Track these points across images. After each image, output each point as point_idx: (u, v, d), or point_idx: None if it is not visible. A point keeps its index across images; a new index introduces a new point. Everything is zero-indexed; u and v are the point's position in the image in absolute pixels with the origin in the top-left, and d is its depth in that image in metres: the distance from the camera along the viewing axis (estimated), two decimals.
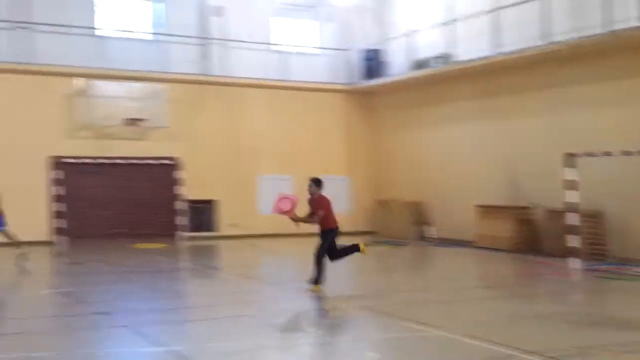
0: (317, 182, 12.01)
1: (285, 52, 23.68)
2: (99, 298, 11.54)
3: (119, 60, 20.82)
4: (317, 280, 11.63)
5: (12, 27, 19.75)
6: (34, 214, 19.78)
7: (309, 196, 11.89)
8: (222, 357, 7.69)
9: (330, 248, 11.84)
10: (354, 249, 12.13)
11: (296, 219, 11.83)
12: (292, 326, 9.75)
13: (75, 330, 9.09)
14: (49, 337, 8.70)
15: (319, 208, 11.70)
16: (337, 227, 11.87)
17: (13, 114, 19.86)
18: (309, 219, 11.83)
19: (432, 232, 21.48)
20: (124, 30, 21.90)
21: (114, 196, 20.90)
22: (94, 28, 21.39)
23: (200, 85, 22.11)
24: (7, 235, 15.65)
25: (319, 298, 11.33)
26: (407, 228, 21.94)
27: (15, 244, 15.74)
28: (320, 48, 24.50)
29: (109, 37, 21.55)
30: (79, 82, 20.30)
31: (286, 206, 11.77)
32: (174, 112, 21.16)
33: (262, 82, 22.71)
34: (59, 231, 20.13)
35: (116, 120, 20.50)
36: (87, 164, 20.61)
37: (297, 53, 24.01)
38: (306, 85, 23.40)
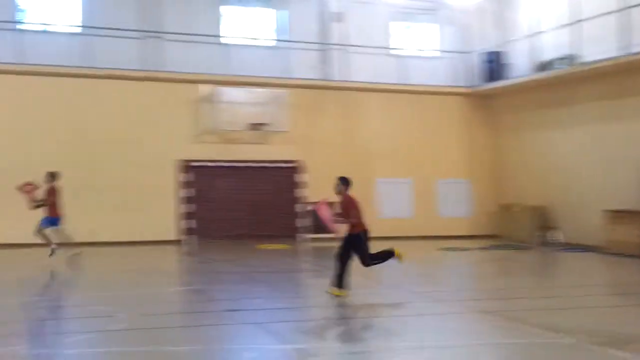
0: (344, 181, 11.35)
1: (405, 55, 23.71)
2: (227, 296, 11.95)
3: (242, 66, 21.52)
4: (389, 254, 11.29)
5: (144, 36, 20.74)
6: (163, 215, 20.74)
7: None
8: (346, 356, 7.84)
9: (344, 251, 11.05)
10: (385, 256, 11.35)
11: (329, 221, 11.25)
12: (413, 329, 9.74)
13: (206, 326, 9.40)
14: (181, 333, 9.04)
15: (351, 209, 11.03)
16: (367, 230, 11.15)
17: (144, 119, 20.84)
18: (340, 218, 11.13)
19: (557, 236, 20.90)
20: (248, 38, 22.60)
21: (239, 198, 21.53)
22: (219, 36, 22.18)
23: (320, 90, 22.46)
24: (43, 234, 15.16)
25: (441, 301, 11.29)
26: (530, 232, 21.44)
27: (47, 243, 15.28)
28: (440, 51, 24.37)
29: (234, 45, 22.29)
30: (205, 89, 21.09)
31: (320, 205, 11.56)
32: (294, 116, 21.62)
33: (381, 86, 22.85)
34: (187, 231, 20.98)
35: (240, 125, 21.13)
36: (212, 167, 21.35)
37: (417, 56, 24.01)
38: (425, 89, 23.35)
